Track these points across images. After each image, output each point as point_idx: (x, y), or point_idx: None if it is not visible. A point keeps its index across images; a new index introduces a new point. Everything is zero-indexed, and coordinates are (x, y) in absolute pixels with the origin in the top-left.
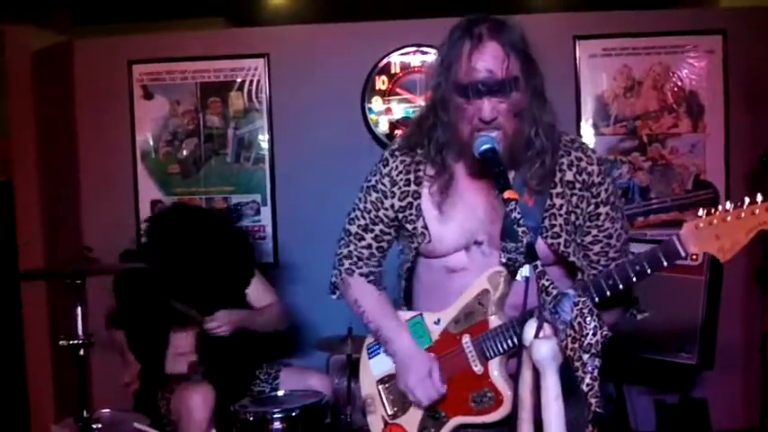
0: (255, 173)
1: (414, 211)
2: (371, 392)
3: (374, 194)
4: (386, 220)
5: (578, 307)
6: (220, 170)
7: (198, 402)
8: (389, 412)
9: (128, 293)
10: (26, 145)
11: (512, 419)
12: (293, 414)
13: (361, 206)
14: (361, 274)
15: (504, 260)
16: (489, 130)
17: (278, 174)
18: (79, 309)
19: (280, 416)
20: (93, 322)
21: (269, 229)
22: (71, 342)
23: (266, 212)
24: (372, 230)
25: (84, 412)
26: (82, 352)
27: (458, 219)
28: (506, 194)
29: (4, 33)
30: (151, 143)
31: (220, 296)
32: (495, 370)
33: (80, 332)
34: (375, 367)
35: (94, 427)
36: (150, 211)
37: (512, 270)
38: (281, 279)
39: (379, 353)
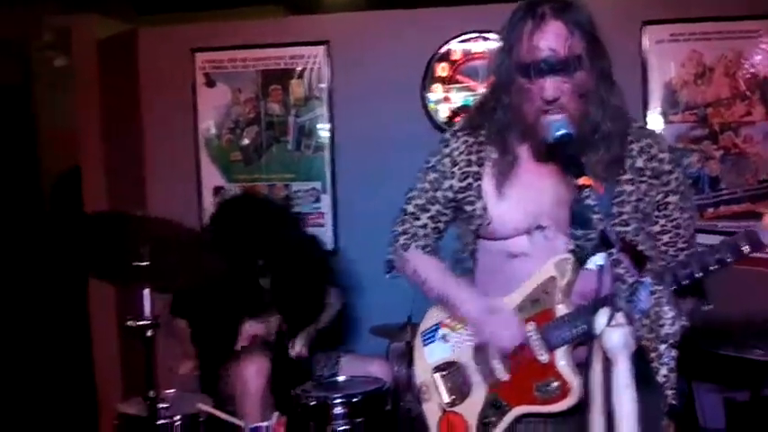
0: (315, 160)
1: (473, 192)
2: (426, 380)
3: (433, 174)
4: (444, 200)
5: (655, 296)
6: (281, 157)
7: (252, 373)
8: (447, 400)
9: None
10: (92, 132)
11: (579, 409)
12: (354, 400)
13: (420, 186)
14: (417, 247)
15: (571, 247)
16: (554, 113)
17: (338, 161)
18: (147, 290)
19: (341, 401)
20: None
21: (328, 217)
22: (138, 323)
23: (326, 200)
24: (429, 210)
25: (151, 392)
26: (149, 333)
27: (520, 202)
28: (581, 180)
29: (70, 23)
30: (213, 130)
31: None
32: (562, 359)
33: (147, 313)
34: (430, 354)
35: (161, 406)
36: (213, 198)
37: (579, 257)
38: (340, 265)
39: (434, 340)
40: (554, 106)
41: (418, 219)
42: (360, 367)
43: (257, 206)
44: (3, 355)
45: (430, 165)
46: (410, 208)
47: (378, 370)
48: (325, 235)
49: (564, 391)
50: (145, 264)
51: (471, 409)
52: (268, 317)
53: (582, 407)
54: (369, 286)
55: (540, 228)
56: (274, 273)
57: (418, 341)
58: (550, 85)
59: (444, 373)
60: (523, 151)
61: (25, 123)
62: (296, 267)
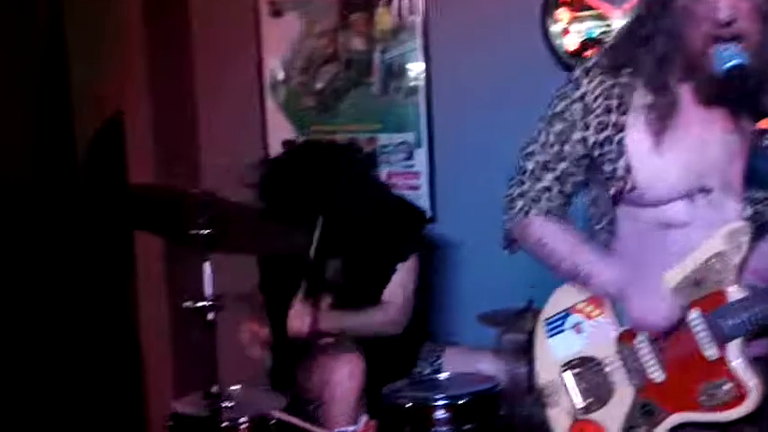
0: (407, 107)
1: (614, 148)
2: (552, 380)
3: (559, 125)
4: (574, 157)
5: None
6: (365, 104)
7: (343, 375)
8: (580, 405)
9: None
10: (137, 75)
11: (757, 418)
12: (460, 402)
13: (542, 139)
14: (539, 212)
15: (747, 213)
16: (728, 39)
17: (435, 108)
18: (208, 264)
19: (444, 403)
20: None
21: (424, 177)
22: (198, 304)
23: (420, 156)
24: (554, 170)
25: (214, 387)
26: (211, 315)
27: (680, 157)
28: (763, 124)
29: None
30: (281, 71)
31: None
32: (736, 355)
33: (209, 292)
34: (558, 348)
35: (224, 404)
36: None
37: (757, 227)
38: (442, 235)
39: (562, 329)
40: (728, 31)
41: (540, 180)
42: (466, 363)
43: (317, 155)
44: (32, 347)
45: (556, 111)
46: (529, 165)
47: (488, 367)
48: (420, 200)
49: (738, 395)
50: (205, 232)
51: (613, 415)
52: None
53: (762, 415)
54: (476, 263)
55: (704, 190)
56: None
57: (542, 331)
58: (725, 3)
59: (577, 371)
60: (685, 92)
61: (57, 74)
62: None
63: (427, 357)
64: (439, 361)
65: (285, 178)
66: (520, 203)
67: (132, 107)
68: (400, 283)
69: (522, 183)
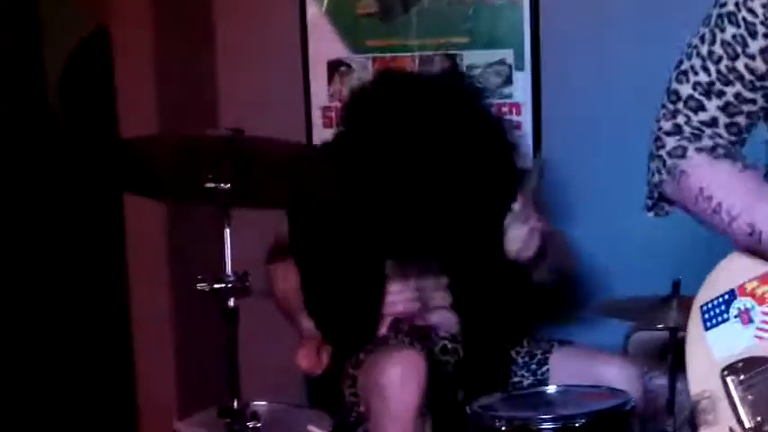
0: (503, 12)
1: None
2: (709, 389)
3: (731, 29)
4: (750, 76)
5: None
6: (442, 9)
7: (396, 377)
8: (748, 423)
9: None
10: None
11: None
12: (576, 425)
13: (704, 51)
14: (700, 150)
15: None
16: None
17: (543, 14)
18: (228, 232)
19: (553, 426)
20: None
21: (527, 110)
22: (215, 286)
23: (522, 80)
24: (722, 94)
25: (235, 402)
26: (232, 302)
27: None
28: None
29: None
30: None
31: (467, 231)
32: None
33: (229, 270)
34: (718, 344)
35: (251, 425)
36: (328, 77)
37: None
38: (549, 195)
39: (724, 319)
40: None
41: (702, 108)
42: (583, 370)
43: (418, 91)
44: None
45: (724, 11)
46: (685, 90)
47: (614, 375)
48: (523, 142)
49: None
50: (225, 186)
51: None
52: (428, 278)
53: None
54: (596, 234)
55: None
56: (438, 203)
57: (696, 322)
58: None
59: (744, 376)
60: None
61: None
62: (481, 194)
63: (528, 362)
64: (545, 367)
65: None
66: (672, 142)
67: (123, 19)
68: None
69: (676, 114)
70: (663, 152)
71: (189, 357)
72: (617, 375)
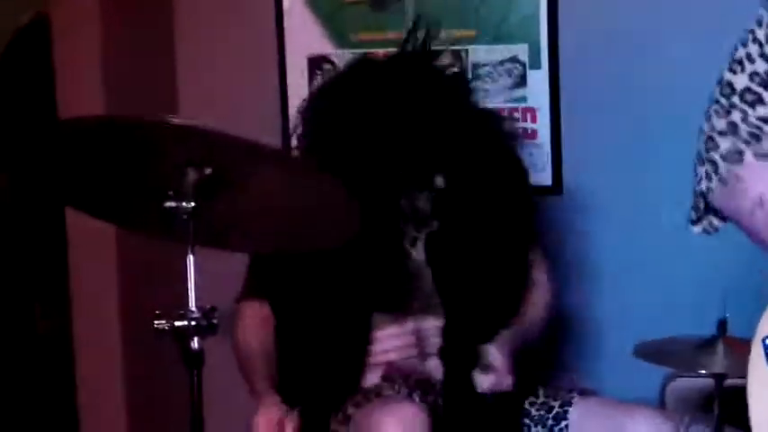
0: (516, 1)
1: None
2: None
3: None
4: None
5: None
6: None
7: None
8: None
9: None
10: None
11: None
12: None
13: (761, 35)
14: (760, 155)
15: None
16: None
17: (562, 4)
18: (191, 258)
19: None
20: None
21: (543, 116)
22: (177, 323)
23: (538, 81)
24: None
25: None
26: (196, 343)
27: None
28: None
29: None
30: None
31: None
32: None
33: (192, 304)
34: None
35: None
36: (309, 76)
37: None
38: (567, 221)
39: None
40: None
41: (761, 101)
42: (608, 426)
43: (402, 80)
44: None
45: None
46: (740, 81)
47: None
48: (538, 156)
49: None
50: (187, 206)
51: None
52: (423, 315)
53: None
54: (625, 263)
55: None
56: (436, 222)
57: (758, 359)
58: None
59: None
60: None
61: None
62: (480, 214)
63: (544, 416)
64: (563, 423)
65: (349, 117)
66: (726, 144)
67: (66, 6)
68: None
69: (731, 110)
70: (715, 155)
71: (143, 411)
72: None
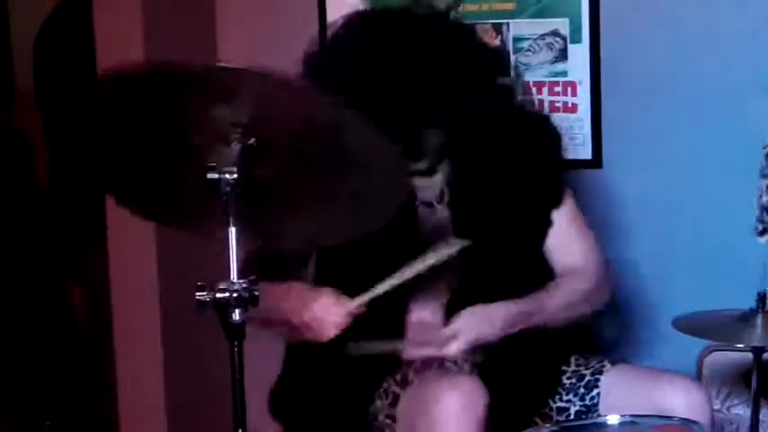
0: None
1: None
2: None
3: None
4: None
5: None
6: None
7: (453, 408)
8: None
9: None
10: None
11: None
12: None
13: None
14: None
15: None
16: None
17: None
18: (232, 230)
19: None
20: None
21: (584, 90)
22: (219, 295)
23: (579, 55)
24: None
25: None
26: (237, 316)
27: None
28: None
29: None
30: None
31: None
32: None
33: (235, 276)
34: None
35: None
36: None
37: None
38: (607, 196)
39: None
40: None
41: None
42: (640, 394)
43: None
44: None
45: None
46: None
47: (679, 401)
48: (579, 129)
49: None
50: (230, 175)
51: None
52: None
53: None
54: (665, 236)
55: None
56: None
57: None
58: None
59: None
60: None
61: None
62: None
63: (575, 384)
64: (594, 391)
65: (354, 70)
66: None
67: None
68: (573, 237)
69: None
70: None
71: (181, 384)
72: (683, 402)
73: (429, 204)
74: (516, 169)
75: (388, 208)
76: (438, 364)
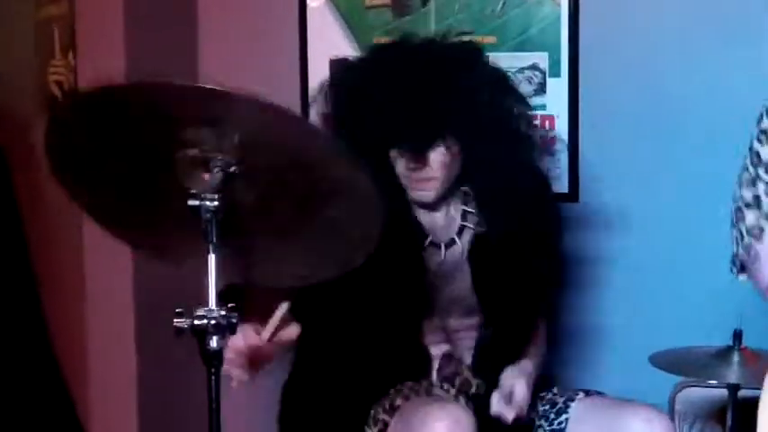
0: (537, 9)
1: None
2: None
3: None
4: None
5: None
6: (466, 3)
7: None
8: None
9: None
10: None
11: None
12: None
13: None
14: None
15: None
16: None
17: (583, 11)
18: (212, 257)
19: None
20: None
21: (562, 124)
22: (197, 322)
23: (558, 89)
24: None
25: None
26: (215, 343)
27: None
28: None
29: None
30: None
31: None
32: None
33: (213, 303)
34: None
35: None
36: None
37: None
38: (583, 230)
39: None
40: None
41: None
42: (606, 420)
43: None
44: None
45: None
46: (765, 152)
47: (642, 429)
48: (557, 163)
49: None
50: (210, 202)
51: None
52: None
53: None
54: (642, 271)
55: None
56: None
57: None
58: None
59: None
60: None
61: None
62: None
63: (547, 411)
64: (563, 416)
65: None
66: (751, 218)
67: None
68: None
69: (756, 181)
70: (742, 226)
71: (155, 413)
72: (644, 430)
73: (439, 246)
74: (528, 209)
75: (369, 242)
76: (425, 391)
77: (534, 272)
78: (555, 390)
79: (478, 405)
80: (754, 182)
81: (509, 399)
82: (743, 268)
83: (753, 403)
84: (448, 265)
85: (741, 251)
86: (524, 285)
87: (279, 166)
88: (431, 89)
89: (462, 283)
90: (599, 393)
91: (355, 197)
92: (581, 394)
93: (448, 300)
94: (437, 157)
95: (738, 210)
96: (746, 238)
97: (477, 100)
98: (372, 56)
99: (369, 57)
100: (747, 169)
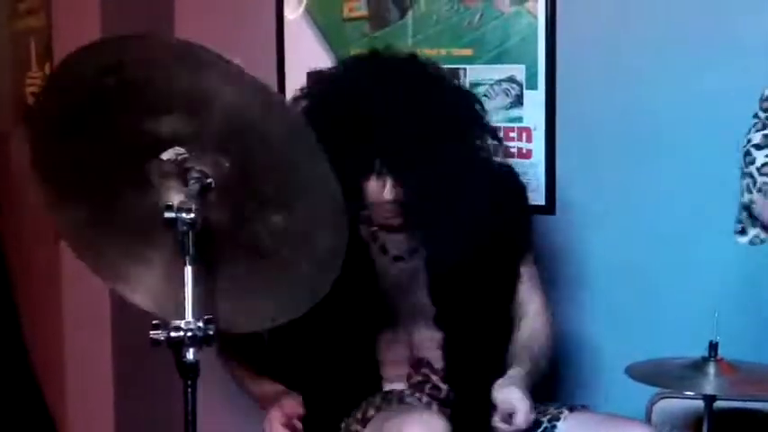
0: (514, 21)
1: None
2: None
3: None
4: None
5: None
6: (443, 16)
7: None
8: None
9: None
10: None
11: None
12: None
13: None
14: None
15: None
16: None
17: (560, 24)
18: (188, 269)
19: None
20: None
21: (539, 136)
22: (174, 334)
23: (534, 101)
24: None
25: None
26: (191, 355)
27: None
28: None
29: None
30: None
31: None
32: None
33: (189, 315)
34: None
35: None
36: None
37: None
38: (560, 242)
39: None
40: None
41: None
42: None
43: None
44: None
45: None
46: None
47: None
48: (533, 175)
49: None
50: (187, 214)
51: None
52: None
53: None
54: (620, 285)
55: None
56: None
57: None
58: None
59: None
60: None
61: None
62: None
63: (532, 427)
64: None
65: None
66: (762, 158)
67: None
68: (532, 292)
69: (766, 124)
70: (752, 168)
71: (133, 420)
72: None
73: (399, 258)
74: (489, 222)
75: (337, 256)
76: (397, 399)
77: (492, 286)
78: (535, 406)
79: (453, 412)
80: (765, 125)
81: (509, 418)
82: (743, 231)
83: (728, 414)
84: (406, 275)
85: (755, 196)
86: (482, 295)
87: (251, 164)
88: (372, 118)
89: (422, 293)
90: (584, 407)
91: (325, 198)
92: (566, 412)
93: (409, 311)
94: (374, 187)
95: (747, 153)
96: (759, 179)
97: (419, 132)
98: (336, 70)
99: (334, 70)
100: (757, 115)
